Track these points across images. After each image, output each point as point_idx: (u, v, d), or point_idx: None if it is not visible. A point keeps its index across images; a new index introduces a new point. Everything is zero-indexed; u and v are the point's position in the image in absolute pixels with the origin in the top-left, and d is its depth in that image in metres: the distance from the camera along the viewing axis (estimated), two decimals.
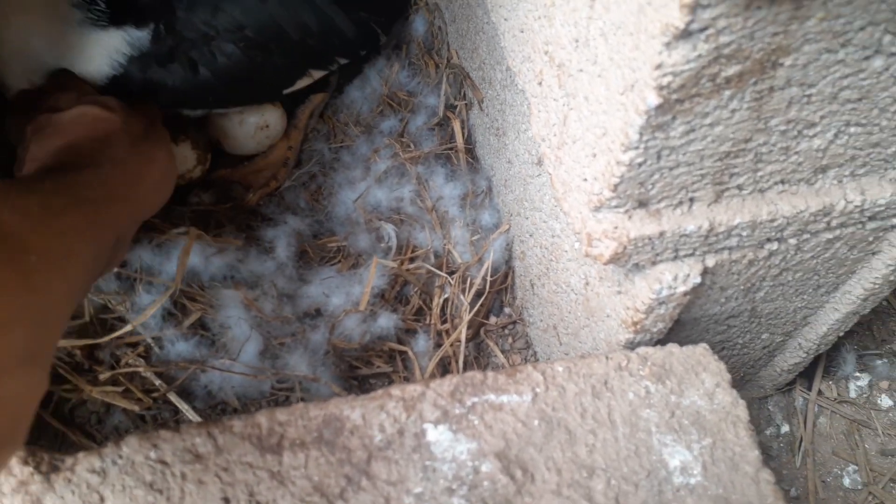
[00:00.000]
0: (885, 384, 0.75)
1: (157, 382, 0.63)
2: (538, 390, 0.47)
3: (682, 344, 0.51)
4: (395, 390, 0.46)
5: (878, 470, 0.70)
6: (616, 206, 0.42)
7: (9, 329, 0.33)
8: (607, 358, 0.49)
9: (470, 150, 0.80)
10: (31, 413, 0.35)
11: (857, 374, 0.76)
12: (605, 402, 0.47)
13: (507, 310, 0.76)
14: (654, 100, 0.35)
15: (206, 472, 0.42)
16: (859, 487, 0.69)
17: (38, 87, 0.57)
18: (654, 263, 0.46)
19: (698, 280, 0.47)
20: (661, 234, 0.43)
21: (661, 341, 0.53)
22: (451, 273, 0.73)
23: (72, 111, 0.51)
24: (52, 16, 0.57)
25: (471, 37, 0.74)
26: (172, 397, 0.62)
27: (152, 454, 0.42)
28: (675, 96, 0.35)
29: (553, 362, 0.49)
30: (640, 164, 0.39)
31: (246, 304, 0.65)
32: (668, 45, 0.33)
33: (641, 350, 0.50)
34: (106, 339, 0.61)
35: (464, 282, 0.72)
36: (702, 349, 0.50)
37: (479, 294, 0.71)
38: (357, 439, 0.44)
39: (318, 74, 0.70)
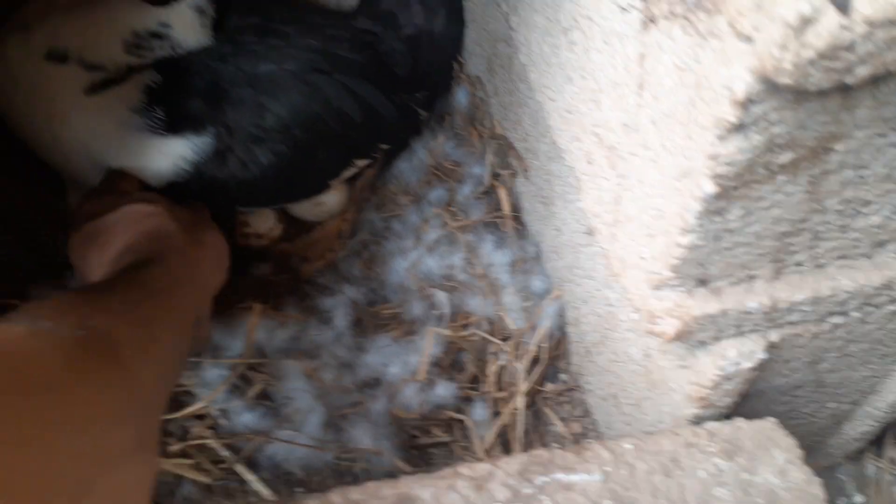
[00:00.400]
0: None
1: (225, 454, 0.64)
2: (607, 469, 0.47)
3: (747, 416, 0.50)
4: (464, 469, 0.46)
5: None
6: (677, 285, 0.43)
7: (121, 422, 0.36)
8: (675, 434, 0.49)
9: (517, 218, 0.81)
10: (149, 494, 0.37)
11: None
12: (675, 481, 0.47)
13: (562, 376, 0.76)
14: (710, 188, 0.35)
15: None
16: None
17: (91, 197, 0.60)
18: (717, 339, 0.46)
19: (763, 356, 0.46)
20: (724, 311, 0.43)
21: (728, 415, 0.52)
22: (504, 339, 0.73)
23: (116, 213, 0.54)
24: (111, 119, 0.60)
25: (514, 109, 0.75)
26: (239, 468, 0.63)
27: None
28: (730, 184, 0.36)
29: (621, 439, 0.48)
30: (698, 246, 0.40)
31: (307, 375, 0.67)
32: (721, 137, 0.33)
33: (709, 425, 0.49)
34: (178, 414, 0.63)
35: (518, 349, 0.72)
36: (771, 424, 0.49)
37: (534, 361, 0.72)
38: None
39: (362, 164, 0.73)
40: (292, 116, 0.63)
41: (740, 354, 0.46)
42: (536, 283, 0.76)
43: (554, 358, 0.76)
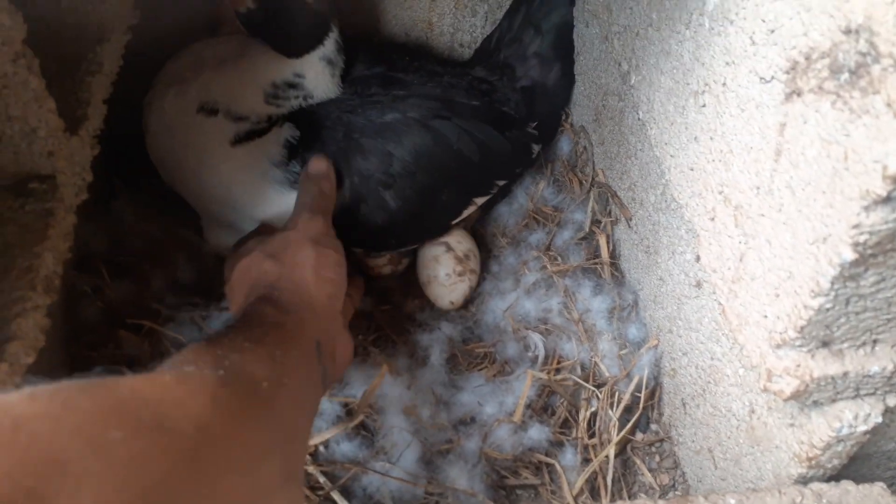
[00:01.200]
0: None
1: (322, 480, 0.67)
2: None
3: (852, 479, 0.50)
4: None
5: None
6: (800, 346, 0.44)
7: (269, 455, 0.37)
8: (780, 493, 0.49)
9: (615, 265, 0.83)
10: None
11: None
12: None
13: (653, 426, 0.76)
14: (849, 255, 0.37)
15: None
16: None
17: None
18: (833, 401, 0.47)
19: (880, 420, 0.47)
20: (845, 374, 0.44)
21: (834, 477, 0.52)
22: (597, 386, 0.74)
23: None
24: (254, 170, 0.65)
25: (621, 160, 0.78)
26: (335, 496, 0.66)
27: None
28: (869, 251, 0.37)
29: (724, 494, 0.49)
30: (828, 309, 0.41)
31: (406, 413, 0.69)
32: (866, 207, 0.35)
33: (815, 486, 0.49)
34: None
35: (611, 396, 0.73)
36: (879, 489, 0.49)
37: (626, 409, 0.72)
38: None
39: (480, 201, 0.76)
40: (416, 160, 0.67)
41: (856, 417, 0.46)
42: (633, 331, 0.77)
43: (646, 408, 0.76)
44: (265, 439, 0.38)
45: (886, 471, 0.57)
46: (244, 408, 0.38)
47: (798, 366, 0.44)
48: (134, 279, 0.75)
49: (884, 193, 0.34)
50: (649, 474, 0.73)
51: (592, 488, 0.70)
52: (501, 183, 0.78)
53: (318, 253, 0.58)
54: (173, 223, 0.80)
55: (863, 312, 0.41)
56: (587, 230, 0.85)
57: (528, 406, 0.73)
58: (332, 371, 0.54)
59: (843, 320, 0.42)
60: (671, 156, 0.58)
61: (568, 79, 0.87)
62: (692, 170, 0.54)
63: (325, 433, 0.68)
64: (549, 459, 0.71)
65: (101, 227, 0.77)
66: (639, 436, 0.76)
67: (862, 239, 0.36)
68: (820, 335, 0.43)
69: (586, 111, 0.88)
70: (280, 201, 0.66)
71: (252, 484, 0.36)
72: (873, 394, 0.46)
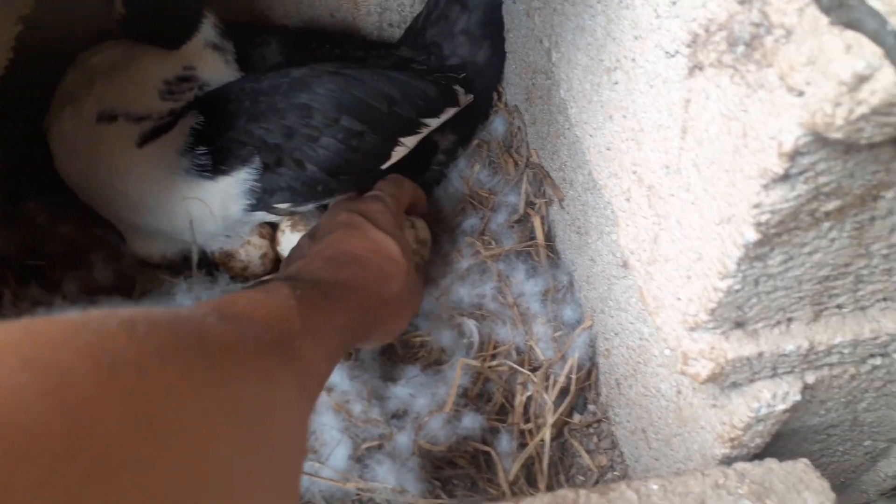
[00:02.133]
0: None
1: None
2: None
3: (779, 455, 0.50)
4: None
5: None
6: (713, 328, 0.43)
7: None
8: (703, 475, 0.48)
9: (550, 246, 0.82)
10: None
11: None
12: None
13: (591, 407, 0.75)
14: (752, 235, 0.36)
15: None
16: None
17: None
18: (751, 381, 0.46)
19: (798, 398, 0.46)
20: (760, 354, 0.43)
21: (759, 455, 0.51)
22: (533, 370, 0.73)
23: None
24: (163, 166, 0.63)
25: (551, 139, 0.76)
26: None
27: None
28: (773, 231, 0.36)
29: (647, 480, 0.48)
30: (737, 291, 0.40)
31: (336, 409, 0.67)
32: (766, 186, 0.34)
33: (739, 466, 0.49)
34: None
35: (547, 379, 0.72)
36: (803, 465, 0.49)
37: (562, 392, 0.71)
38: None
39: (410, 141, 0.72)
40: (336, 107, 0.65)
41: (775, 396, 0.46)
42: (568, 313, 0.76)
43: (583, 389, 0.75)
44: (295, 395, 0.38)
45: (814, 444, 0.57)
46: (281, 367, 0.38)
47: (712, 348, 0.43)
48: (44, 284, 0.71)
49: (780, 171, 0.33)
50: (587, 456, 0.72)
51: (529, 473, 0.70)
52: (430, 123, 0.74)
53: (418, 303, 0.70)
54: (90, 223, 0.76)
55: (773, 292, 0.40)
56: (521, 213, 0.84)
57: (463, 394, 0.72)
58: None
59: (754, 300, 0.41)
60: (590, 135, 0.56)
61: (498, 56, 0.85)
62: (608, 149, 0.53)
63: None
64: (484, 447, 0.70)
65: (10, 231, 0.73)
66: (577, 417, 0.75)
67: (763, 219, 0.35)
68: (732, 316, 0.42)
69: (518, 90, 0.86)
70: (191, 191, 0.63)
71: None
72: (791, 372, 0.46)
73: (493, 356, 0.75)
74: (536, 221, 0.82)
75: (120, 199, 0.65)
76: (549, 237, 0.82)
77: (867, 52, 0.28)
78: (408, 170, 0.75)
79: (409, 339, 0.77)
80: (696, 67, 0.38)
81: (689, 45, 0.39)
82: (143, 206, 0.65)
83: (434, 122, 0.75)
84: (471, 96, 0.78)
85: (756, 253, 0.37)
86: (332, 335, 0.46)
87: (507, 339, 0.75)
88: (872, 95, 0.28)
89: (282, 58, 0.73)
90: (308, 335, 0.42)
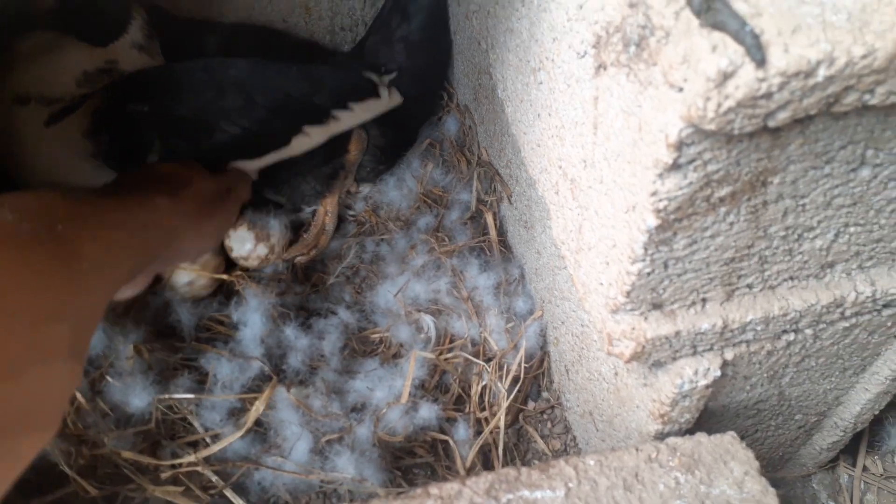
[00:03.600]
0: None
1: (214, 479, 0.66)
2: (571, 485, 0.49)
3: (712, 431, 0.53)
4: (433, 489, 0.49)
5: None
6: (631, 309, 0.45)
7: (59, 321, 0.38)
8: (637, 450, 0.51)
9: (502, 241, 0.84)
10: (67, 402, 0.39)
11: None
12: (636, 495, 0.49)
13: (544, 394, 0.78)
14: (652, 221, 0.38)
15: None
16: None
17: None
18: (674, 359, 0.49)
19: (718, 373, 0.49)
20: (677, 333, 0.46)
21: (691, 430, 0.54)
22: (488, 360, 0.76)
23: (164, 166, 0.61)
24: (68, 147, 0.65)
25: (498, 137, 0.79)
26: (228, 493, 0.66)
27: None
28: (672, 217, 0.39)
29: (585, 456, 0.51)
30: (648, 274, 0.42)
31: (297, 405, 0.69)
32: (660, 175, 0.36)
33: (671, 440, 0.52)
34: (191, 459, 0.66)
35: (501, 369, 0.75)
36: (730, 437, 0.52)
37: (516, 380, 0.74)
38: None
39: (316, 133, 0.73)
40: (244, 88, 0.66)
41: (696, 373, 0.48)
42: (520, 304, 0.79)
43: (536, 377, 0.78)
44: (62, 308, 0.38)
45: (746, 419, 0.60)
46: (51, 273, 0.39)
47: (633, 329, 0.46)
48: None
49: (670, 161, 0.35)
50: (542, 441, 0.75)
51: (486, 460, 0.72)
52: (340, 115, 0.74)
53: (227, 221, 0.67)
54: None
55: (684, 274, 0.43)
56: (474, 209, 0.86)
57: (420, 386, 0.74)
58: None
59: (666, 283, 0.44)
60: (524, 133, 0.59)
61: (440, 62, 0.88)
62: (539, 146, 0.55)
63: (223, 441, 0.67)
64: (442, 436, 0.72)
65: None
66: (531, 405, 0.78)
67: (662, 205, 0.38)
68: (648, 298, 0.45)
69: (468, 90, 0.88)
70: (96, 177, 0.65)
71: (35, 340, 0.36)
72: (710, 349, 0.49)
73: (450, 349, 0.77)
74: (489, 217, 0.85)
75: (31, 177, 0.66)
76: (502, 232, 0.85)
77: (730, 51, 0.31)
78: (312, 163, 0.76)
79: (367, 335, 0.79)
80: (601, 67, 0.41)
81: (594, 46, 0.41)
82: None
83: (347, 117, 0.75)
84: (398, 97, 0.80)
85: (660, 238, 0.40)
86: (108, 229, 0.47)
87: (462, 331, 0.78)
88: (737, 90, 0.31)
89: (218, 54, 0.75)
90: (74, 220, 0.43)
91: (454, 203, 0.87)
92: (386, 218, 0.88)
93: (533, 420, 0.77)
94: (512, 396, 0.72)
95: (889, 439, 0.75)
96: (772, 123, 0.33)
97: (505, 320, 0.78)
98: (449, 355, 0.76)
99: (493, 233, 0.84)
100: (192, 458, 0.65)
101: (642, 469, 0.50)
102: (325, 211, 0.84)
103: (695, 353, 0.48)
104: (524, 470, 0.50)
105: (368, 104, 0.77)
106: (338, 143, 0.77)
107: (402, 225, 0.87)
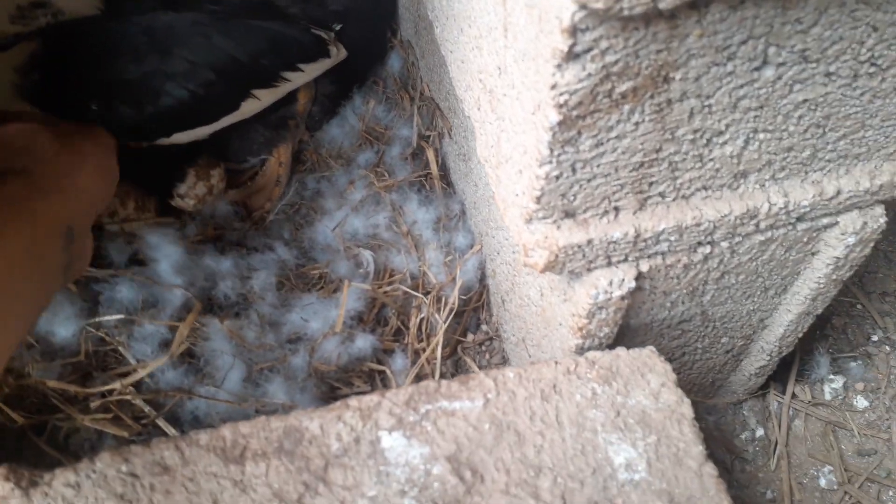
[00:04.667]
0: (860, 385, 0.76)
1: (147, 409, 0.66)
2: (489, 396, 0.50)
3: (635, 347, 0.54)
4: (353, 401, 0.49)
5: (854, 470, 0.71)
6: (544, 218, 0.45)
7: None
8: (556, 363, 0.52)
9: (444, 177, 0.84)
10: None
11: (832, 376, 0.77)
12: (553, 405, 0.50)
13: (483, 327, 0.79)
14: (555, 117, 0.38)
15: (173, 483, 0.45)
16: (835, 488, 0.69)
17: None
18: (589, 270, 0.49)
19: (633, 284, 0.49)
20: (589, 241, 0.46)
21: (612, 346, 0.55)
22: (426, 293, 0.76)
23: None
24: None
25: (437, 70, 0.78)
26: (160, 423, 0.65)
27: (123, 468, 0.45)
28: (574, 113, 0.38)
29: (504, 369, 0.51)
30: (557, 178, 0.42)
31: (230, 336, 0.69)
32: (559, 66, 0.36)
33: (590, 354, 0.52)
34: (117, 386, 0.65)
35: (439, 301, 0.75)
36: (648, 351, 0.53)
37: (457, 314, 0.74)
38: (315, 448, 0.47)
39: (265, 96, 0.72)
40: (194, 54, 0.64)
41: (611, 284, 0.49)
42: (460, 239, 0.79)
43: (475, 310, 0.79)
44: None
45: (671, 340, 0.61)
46: None
47: (546, 237, 0.46)
48: None
49: (566, 48, 0.35)
50: (480, 371, 0.75)
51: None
52: (291, 76, 0.73)
53: (106, 151, 0.58)
54: None
55: (593, 179, 0.43)
56: (415, 145, 0.86)
57: (359, 319, 0.74)
58: (77, 265, 0.52)
59: (576, 188, 0.44)
60: (450, 52, 0.58)
61: (387, 3, 0.86)
62: (463, 62, 0.55)
63: (148, 366, 0.67)
64: (379, 367, 0.72)
65: None
66: (470, 337, 0.78)
67: (563, 100, 0.37)
68: (559, 205, 0.44)
69: (409, 24, 0.87)
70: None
71: None
72: (625, 260, 0.49)
73: (390, 283, 0.77)
74: (430, 153, 0.84)
75: None
76: (444, 168, 0.84)
77: None
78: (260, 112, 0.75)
79: (306, 271, 0.79)
80: None
81: None
82: None
83: (297, 78, 0.74)
84: (344, 52, 0.78)
85: (564, 137, 0.40)
86: None
87: (401, 266, 0.78)
88: None
89: (156, 2, 0.72)
90: None
91: (395, 139, 0.86)
92: (327, 155, 0.87)
93: (471, 352, 0.77)
94: (447, 325, 0.72)
95: (818, 368, 0.77)
96: (663, 5, 0.33)
97: (444, 254, 0.78)
98: (388, 288, 0.76)
99: (433, 168, 0.83)
100: (119, 385, 0.65)
101: (560, 381, 0.51)
102: (278, 161, 0.82)
103: (609, 264, 0.49)
104: (444, 382, 0.51)
105: (319, 64, 0.76)
106: (287, 95, 0.76)
107: (343, 162, 0.86)
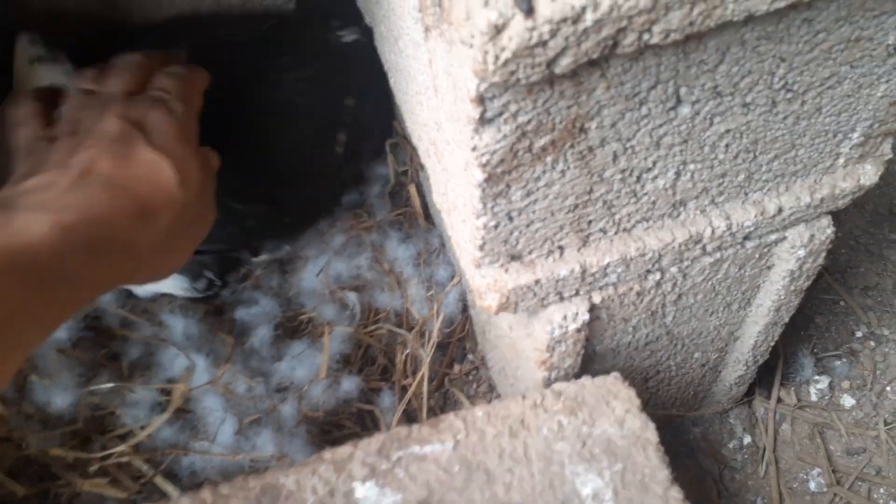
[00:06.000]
0: (846, 384, 0.77)
1: (145, 468, 0.68)
2: (459, 437, 0.51)
3: (605, 374, 0.55)
4: (327, 454, 0.51)
5: (843, 470, 0.71)
6: (491, 263, 0.47)
7: None
8: (523, 398, 0.53)
9: (425, 212, 0.86)
10: None
11: (817, 377, 0.77)
12: (521, 440, 0.51)
13: (469, 356, 0.80)
14: (480, 175, 0.40)
15: None
16: (825, 490, 0.70)
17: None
18: (543, 307, 0.50)
19: (587, 317, 0.51)
20: (537, 281, 0.48)
21: (579, 374, 0.56)
22: (410, 329, 0.78)
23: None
24: None
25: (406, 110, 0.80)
26: (158, 481, 0.68)
27: None
28: (499, 169, 0.40)
29: (473, 408, 0.53)
30: (495, 227, 0.44)
31: (221, 392, 0.71)
32: (476, 130, 0.38)
33: (556, 386, 0.54)
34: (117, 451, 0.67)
35: (422, 336, 0.77)
36: (612, 378, 0.54)
37: (440, 346, 0.76)
38: (292, 503, 0.49)
39: None
40: None
41: (565, 318, 0.50)
42: (441, 273, 0.81)
43: (461, 339, 0.80)
44: None
45: (642, 360, 0.62)
46: None
47: (495, 281, 0.47)
48: None
49: (477, 115, 0.37)
50: (467, 402, 0.77)
51: (412, 424, 0.74)
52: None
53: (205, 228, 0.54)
54: None
55: (531, 224, 0.45)
56: (394, 182, 0.88)
57: (346, 361, 0.76)
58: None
59: (516, 234, 0.45)
60: (402, 102, 0.60)
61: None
62: (412, 113, 0.57)
63: (150, 426, 0.69)
64: (368, 406, 0.74)
65: None
66: (457, 368, 0.80)
67: (484, 160, 0.39)
68: (503, 251, 0.46)
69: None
70: None
71: None
72: (577, 294, 0.50)
73: (375, 322, 0.79)
74: (412, 189, 0.86)
75: None
76: (424, 203, 0.86)
77: (501, 3, 0.32)
78: None
79: (294, 316, 0.81)
80: (427, 30, 0.42)
81: (419, 10, 0.43)
82: None
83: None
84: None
85: (493, 191, 0.41)
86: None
87: (385, 304, 0.80)
88: (510, 41, 0.32)
89: None
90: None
91: (373, 179, 0.88)
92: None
93: (459, 382, 0.79)
94: (430, 358, 0.73)
95: (803, 370, 0.77)
96: (558, 70, 0.34)
97: (426, 289, 0.80)
98: (372, 328, 0.78)
99: (415, 203, 0.85)
100: (119, 448, 0.67)
101: (528, 415, 0.52)
102: None
103: (562, 300, 0.50)
104: (415, 427, 0.52)
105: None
106: None
107: None
